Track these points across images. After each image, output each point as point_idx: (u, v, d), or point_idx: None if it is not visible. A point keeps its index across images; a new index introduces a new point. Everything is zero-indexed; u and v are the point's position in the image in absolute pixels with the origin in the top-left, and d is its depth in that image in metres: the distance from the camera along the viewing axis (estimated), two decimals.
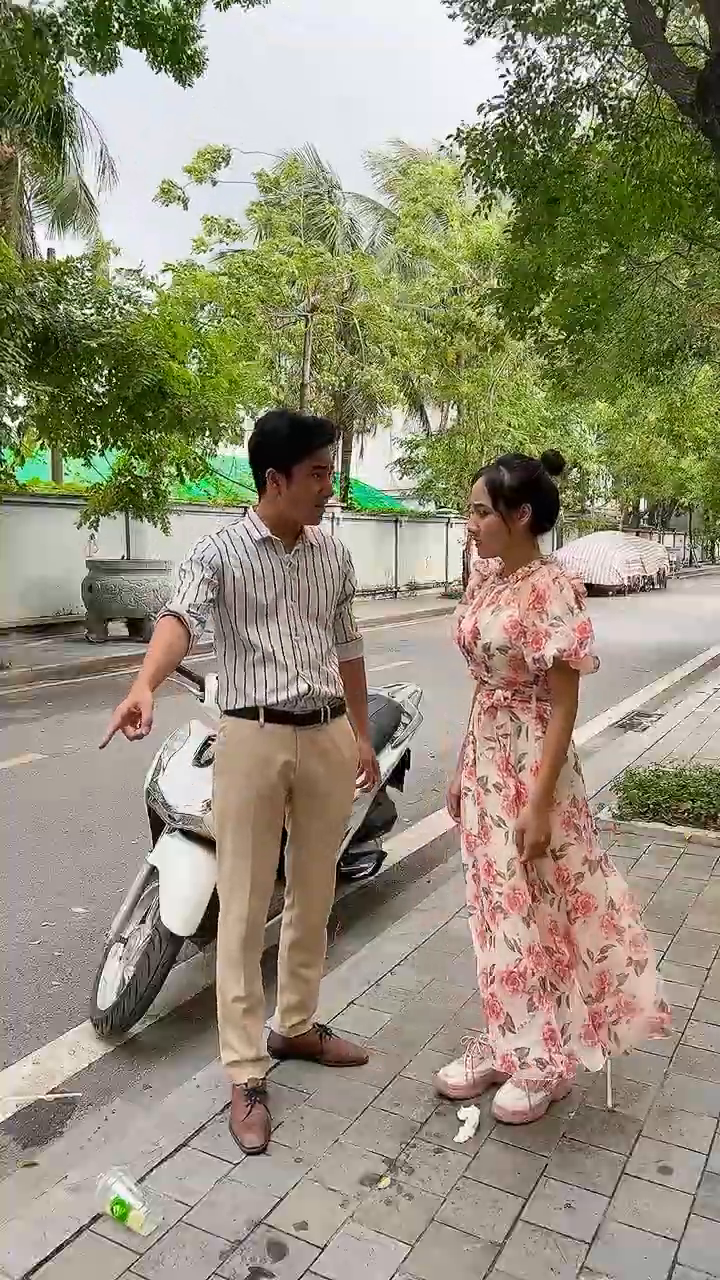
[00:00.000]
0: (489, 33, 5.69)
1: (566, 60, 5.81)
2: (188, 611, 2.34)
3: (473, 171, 6.10)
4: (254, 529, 2.51)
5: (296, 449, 2.42)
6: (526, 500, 2.38)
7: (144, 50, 6.75)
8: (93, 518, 12.97)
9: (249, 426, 15.18)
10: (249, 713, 2.49)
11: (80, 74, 7.02)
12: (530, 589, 2.36)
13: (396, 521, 24.45)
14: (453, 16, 5.69)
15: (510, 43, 5.71)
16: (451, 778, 2.67)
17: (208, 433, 12.08)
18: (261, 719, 2.48)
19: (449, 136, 6.23)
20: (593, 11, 5.46)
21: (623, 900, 2.50)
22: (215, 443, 12.65)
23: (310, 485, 2.45)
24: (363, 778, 2.86)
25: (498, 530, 2.40)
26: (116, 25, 6.55)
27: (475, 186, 6.32)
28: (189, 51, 6.80)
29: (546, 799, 2.33)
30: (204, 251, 18.22)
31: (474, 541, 2.48)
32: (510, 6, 5.48)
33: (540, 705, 2.41)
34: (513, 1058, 2.38)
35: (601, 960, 2.44)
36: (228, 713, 2.54)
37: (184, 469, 12.83)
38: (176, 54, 6.76)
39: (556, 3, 5.40)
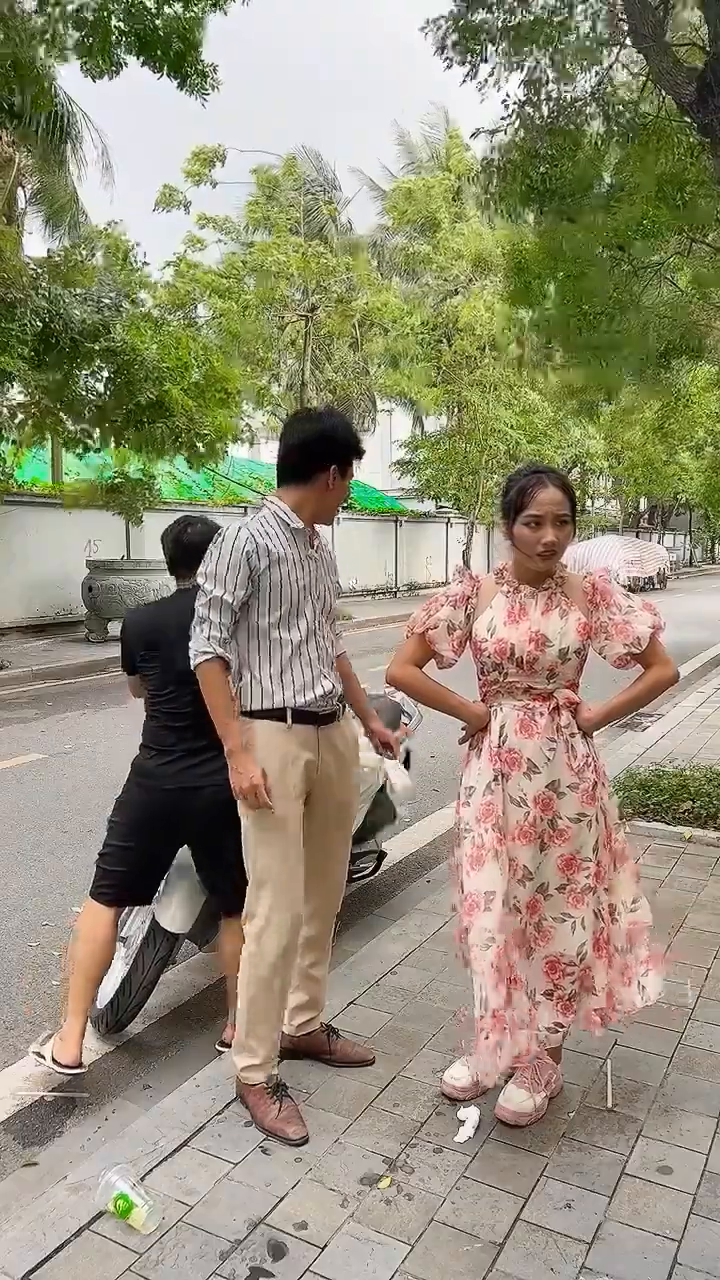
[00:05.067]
0: (483, 59, 5.60)
1: (566, 70, 5.78)
2: (229, 653, 2.43)
3: (499, 203, 6.13)
4: (288, 516, 2.49)
5: (351, 452, 2.51)
6: None
7: (143, 61, 6.70)
8: (77, 502, 12.96)
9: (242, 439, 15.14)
10: (275, 714, 2.46)
11: (86, 77, 6.96)
12: (583, 591, 2.43)
13: (396, 521, 24.45)
14: (442, 51, 5.57)
15: (509, 63, 5.66)
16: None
17: (201, 448, 12.16)
18: (289, 719, 2.46)
19: (474, 173, 6.29)
20: (578, 21, 5.41)
21: None
22: (217, 453, 12.65)
23: (345, 489, 2.55)
24: (371, 756, 2.97)
25: (567, 539, 2.38)
26: (116, 35, 6.51)
27: (491, 208, 6.38)
28: (198, 66, 6.75)
29: (619, 714, 2.50)
30: (200, 249, 18.19)
31: (548, 555, 2.35)
32: (496, 28, 5.41)
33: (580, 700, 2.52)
34: (605, 1010, 2.47)
35: (634, 910, 2.51)
36: (251, 714, 2.46)
37: (190, 459, 12.84)
38: (179, 64, 6.71)
39: (541, 18, 5.35)
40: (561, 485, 2.37)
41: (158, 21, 6.37)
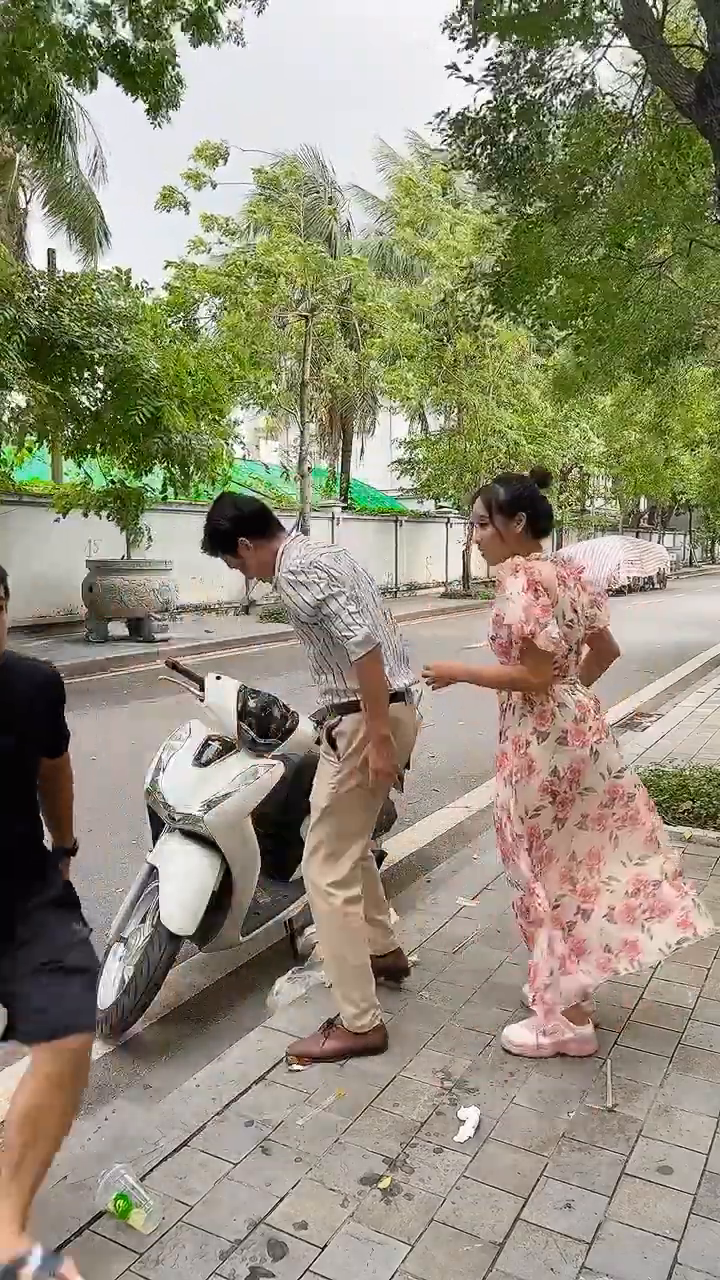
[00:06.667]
0: (482, 42, 5.63)
1: (550, 58, 5.80)
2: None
3: (457, 153, 6.19)
4: None
5: None
6: (522, 510, 2.69)
7: (120, 84, 6.93)
8: (66, 507, 12.96)
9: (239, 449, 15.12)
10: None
11: (68, 81, 7.13)
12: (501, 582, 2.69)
13: (396, 521, 24.43)
14: (451, 24, 5.60)
15: (514, 50, 5.67)
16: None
17: (191, 465, 12.21)
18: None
19: (437, 115, 6.21)
20: (578, 11, 5.41)
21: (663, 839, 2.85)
22: (198, 475, 12.67)
23: None
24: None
25: (493, 540, 2.75)
26: (94, 52, 6.70)
27: (450, 166, 6.49)
28: (165, 82, 6.92)
29: (459, 675, 2.69)
30: (203, 251, 18.16)
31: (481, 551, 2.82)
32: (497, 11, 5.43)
33: None
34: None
35: (639, 865, 2.78)
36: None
37: (171, 484, 12.89)
38: (157, 84, 6.87)
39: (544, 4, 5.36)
40: (484, 496, 2.74)
41: (137, 45, 6.60)
